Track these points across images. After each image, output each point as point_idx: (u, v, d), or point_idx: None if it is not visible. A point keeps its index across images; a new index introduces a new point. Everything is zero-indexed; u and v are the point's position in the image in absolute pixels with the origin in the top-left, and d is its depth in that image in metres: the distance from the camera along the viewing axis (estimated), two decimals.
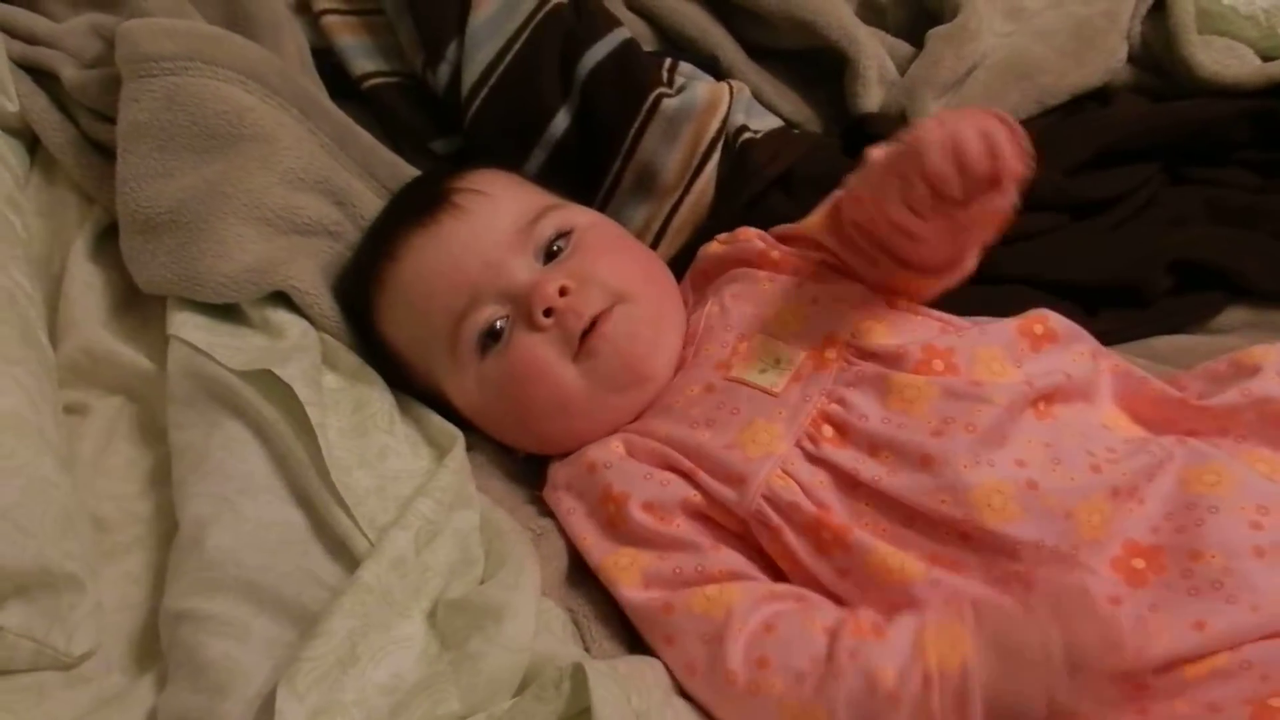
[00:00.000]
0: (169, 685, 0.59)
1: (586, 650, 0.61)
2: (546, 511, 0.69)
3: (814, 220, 0.73)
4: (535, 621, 0.57)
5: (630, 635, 0.63)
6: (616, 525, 0.64)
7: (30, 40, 0.90)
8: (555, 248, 0.71)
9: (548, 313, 0.68)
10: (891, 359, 0.65)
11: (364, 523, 0.62)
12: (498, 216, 0.71)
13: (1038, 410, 0.63)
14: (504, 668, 0.55)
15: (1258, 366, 0.65)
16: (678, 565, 0.62)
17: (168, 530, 0.67)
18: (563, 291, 0.68)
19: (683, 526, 0.63)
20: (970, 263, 0.69)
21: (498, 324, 0.69)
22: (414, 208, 0.74)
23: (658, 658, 0.61)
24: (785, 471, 0.62)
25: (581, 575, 0.66)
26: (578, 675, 0.52)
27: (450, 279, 0.70)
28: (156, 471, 0.72)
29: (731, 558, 0.62)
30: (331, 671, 0.54)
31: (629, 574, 0.62)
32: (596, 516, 0.65)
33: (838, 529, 0.60)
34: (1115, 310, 0.83)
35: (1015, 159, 0.57)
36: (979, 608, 0.54)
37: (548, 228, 0.71)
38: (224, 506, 0.63)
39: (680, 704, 0.57)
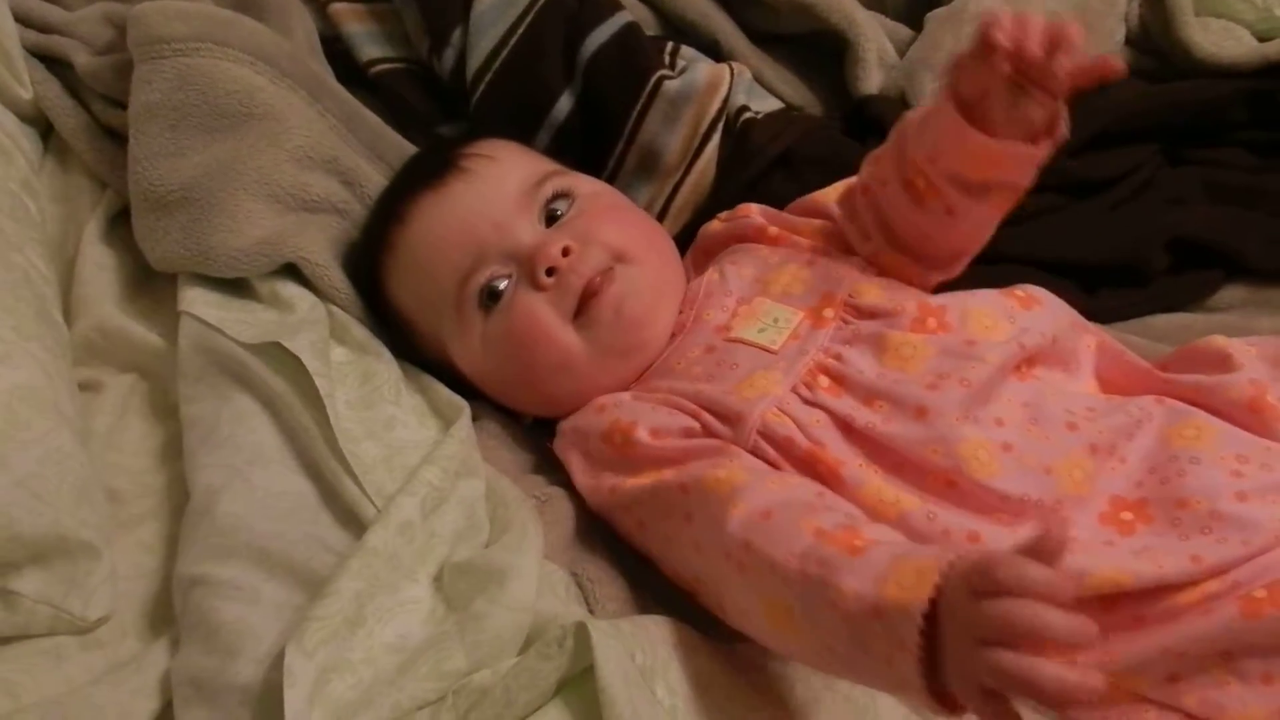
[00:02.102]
0: (181, 648, 0.60)
1: (591, 613, 0.62)
2: (552, 480, 0.70)
3: (829, 190, 0.75)
4: (538, 583, 0.59)
5: (635, 598, 0.64)
6: (625, 452, 0.65)
7: (44, 29, 0.92)
8: (557, 210, 0.73)
9: (550, 272, 0.69)
10: (887, 315, 0.66)
11: (372, 491, 0.63)
12: (504, 180, 0.73)
13: (1019, 372, 0.64)
14: (508, 627, 0.57)
15: (1228, 358, 0.65)
16: (695, 467, 0.61)
17: (179, 502, 0.69)
18: (565, 252, 0.69)
19: (685, 441, 0.63)
20: (961, 263, 0.71)
21: (500, 284, 0.71)
22: (422, 173, 0.76)
23: (670, 612, 0.61)
24: (781, 410, 0.63)
25: (586, 540, 0.67)
26: (580, 633, 0.53)
27: (457, 239, 0.71)
28: (168, 446, 0.73)
29: (740, 451, 0.62)
30: (340, 631, 0.55)
31: (648, 478, 0.63)
32: (605, 452, 0.66)
33: (831, 463, 0.61)
34: (1114, 289, 0.84)
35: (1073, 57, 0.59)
36: (968, 564, 0.46)
37: (550, 190, 0.73)
38: (234, 476, 0.65)
39: (690, 659, 0.58)
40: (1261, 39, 0.93)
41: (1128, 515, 0.58)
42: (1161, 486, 0.58)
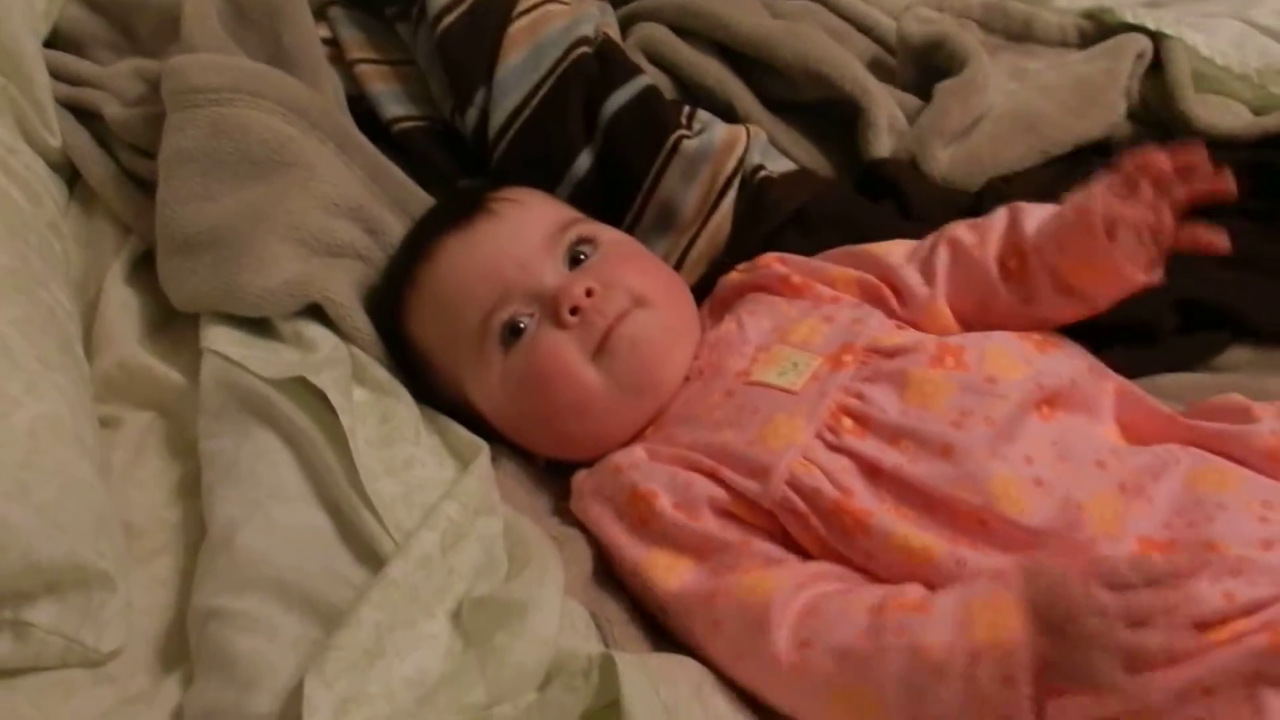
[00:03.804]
0: (196, 681, 0.59)
1: None
2: (569, 521, 0.70)
3: (889, 244, 0.77)
4: (560, 616, 0.58)
5: (655, 638, 0.64)
6: (648, 523, 0.65)
7: (75, 82, 0.94)
8: (580, 254, 0.75)
9: (574, 311, 0.70)
10: (906, 353, 0.67)
11: (391, 527, 0.63)
12: (530, 223, 0.75)
13: (1042, 413, 0.65)
14: (529, 660, 0.56)
15: (1247, 410, 0.67)
16: (716, 564, 0.62)
17: (196, 537, 0.68)
18: (589, 293, 0.71)
19: (712, 524, 0.64)
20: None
21: (522, 322, 0.72)
22: (450, 215, 0.78)
23: (693, 653, 0.61)
24: (807, 459, 0.63)
25: (605, 580, 0.67)
26: (606, 665, 0.52)
27: (482, 276, 0.73)
28: (185, 483, 0.73)
29: (765, 547, 0.62)
30: (359, 662, 0.55)
31: (671, 573, 0.63)
32: (627, 518, 0.66)
33: (859, 514, 0.61)
34: (1123, 348, 0.85)
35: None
36: (1027, 574, 0.54)
37: (574, 235, 0.75)
38: (254, 509, 0.65)
39: (711, 701, 0.57)
40: (1257, 114, 0.97)
41: (1157, 557, 0.58)
42: (1189, 530, 0.58)
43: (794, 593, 0.59)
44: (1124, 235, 0.67)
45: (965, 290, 0.73)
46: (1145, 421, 0.68)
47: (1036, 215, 0.72)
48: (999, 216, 0.75)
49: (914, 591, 0.57)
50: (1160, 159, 0.66)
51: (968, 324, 0.73)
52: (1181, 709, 0.55)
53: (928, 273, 0.74)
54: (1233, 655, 0.54)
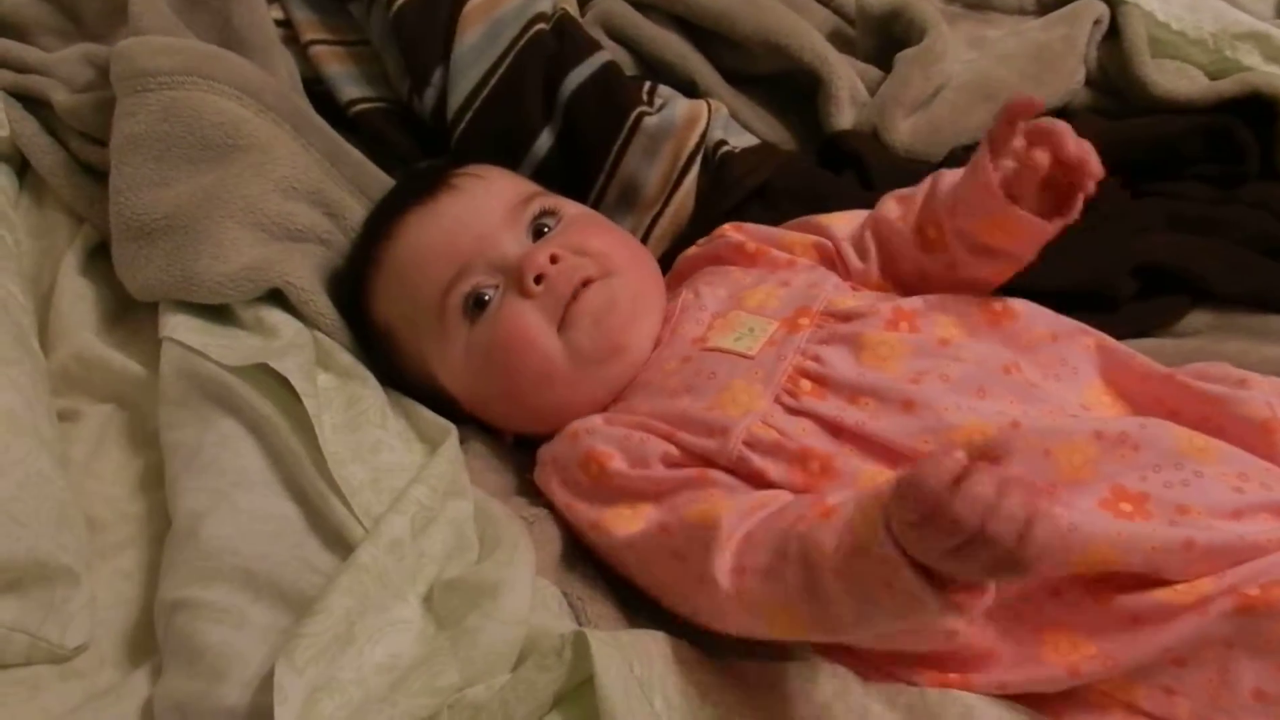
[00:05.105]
0: (165, 673, 0.59)
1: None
2: (538, 502, 0.70)
3: (833, 216, 0.77)
4: (531, 595, 0.58)
5: (627, 615, 0.64)
6: (601, 483, 0.65)
7: (21, 69, 0.92)
8: (544, 226, 0.74)
9: (538, 280, 0.70)
10: (861, 317, 0.68)
11: (360, 513, 0.63)
12: (492, 195, 0.74)
13: (1010, 376, 0.64)
14: (502, 641, 0.56)
15: (1243, 379, 0.66)
16: (674, 502, 0.62)
17: (159, 529, 0.68)
18: (553, 259, 0.70)
19: (664, 472, 0.64)
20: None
21: (487, 294, 0.71)
22: (411, 192, 0.77)
23: (664, 624, 0.61)
24: (767, 424, 0.63)
25: (575, 559, 0.66)
26: (579, 643, 0.52)
27: (442, 250, 0.72)
28: (147, 475, 0.72)
29: (724, 476, 0.62)
30: (330, 648, 0.55)
31: (634, 520, 0.63)
32: (582, 481, 0.66)
33: (824, 456, 0.61)
34: (1084, 314, 0.86)
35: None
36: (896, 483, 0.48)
37: (537, 207, 0.75)
38: (219, 499, 0.64)
39: (685, 675, 0.57)
40: (1213, 78, 0.97)
41: (1126, 506, 0.58)
42: (1165, 489, 0.58)
43: (742, 517, 0.58)
44: (1019, 186, 0.65)
45: (895, 263, 0.74)
46: (1133, 379, 0.67)
47: (951, 180, 0.71)
48: (923, 185, 0.74)
49: (836, 497, 0.55)
50: (1020, 104, 0.64)
51: (911, 292, 0.73)
52: (1151, 679, 0.56)
53: (862, 250, 0.75)
54: (1202, 622, 0.54)
